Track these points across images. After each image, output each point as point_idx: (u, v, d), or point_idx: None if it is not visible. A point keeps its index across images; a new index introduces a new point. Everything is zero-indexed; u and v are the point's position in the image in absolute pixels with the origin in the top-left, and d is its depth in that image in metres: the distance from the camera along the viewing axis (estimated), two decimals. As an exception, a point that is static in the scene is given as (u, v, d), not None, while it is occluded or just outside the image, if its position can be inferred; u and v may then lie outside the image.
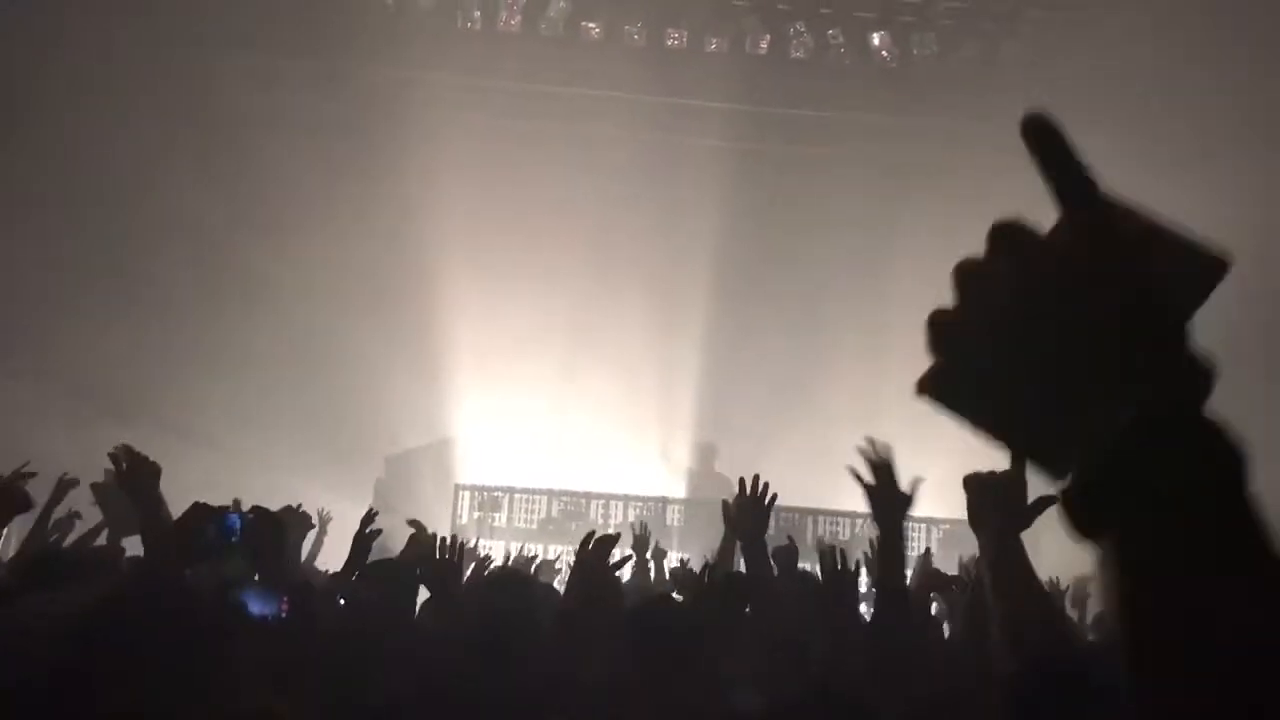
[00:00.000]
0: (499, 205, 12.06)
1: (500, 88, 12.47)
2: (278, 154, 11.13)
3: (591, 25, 12.49)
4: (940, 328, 0.79)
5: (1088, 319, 0.71)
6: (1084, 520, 0.71)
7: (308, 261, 11.20)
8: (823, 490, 10.98)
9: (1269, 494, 0.75)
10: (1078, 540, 0.72)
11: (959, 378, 0.77)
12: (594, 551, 3.81)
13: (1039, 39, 12.12)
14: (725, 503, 4.34)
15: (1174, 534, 0.67)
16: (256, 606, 2.84)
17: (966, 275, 0.79)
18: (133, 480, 3.44)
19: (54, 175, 10.59)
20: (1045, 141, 0.77)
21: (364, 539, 4.02)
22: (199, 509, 3.03)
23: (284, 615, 2.84)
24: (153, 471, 3.50)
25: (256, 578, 3.10)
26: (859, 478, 3.37)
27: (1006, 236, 0.77)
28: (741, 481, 4.32)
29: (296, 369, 11.42)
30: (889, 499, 3.25)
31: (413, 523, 4.43)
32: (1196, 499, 0.67)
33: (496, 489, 11.07)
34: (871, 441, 3.30)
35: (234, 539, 3.11)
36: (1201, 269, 0.75)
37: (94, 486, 5.15)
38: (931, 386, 0.79)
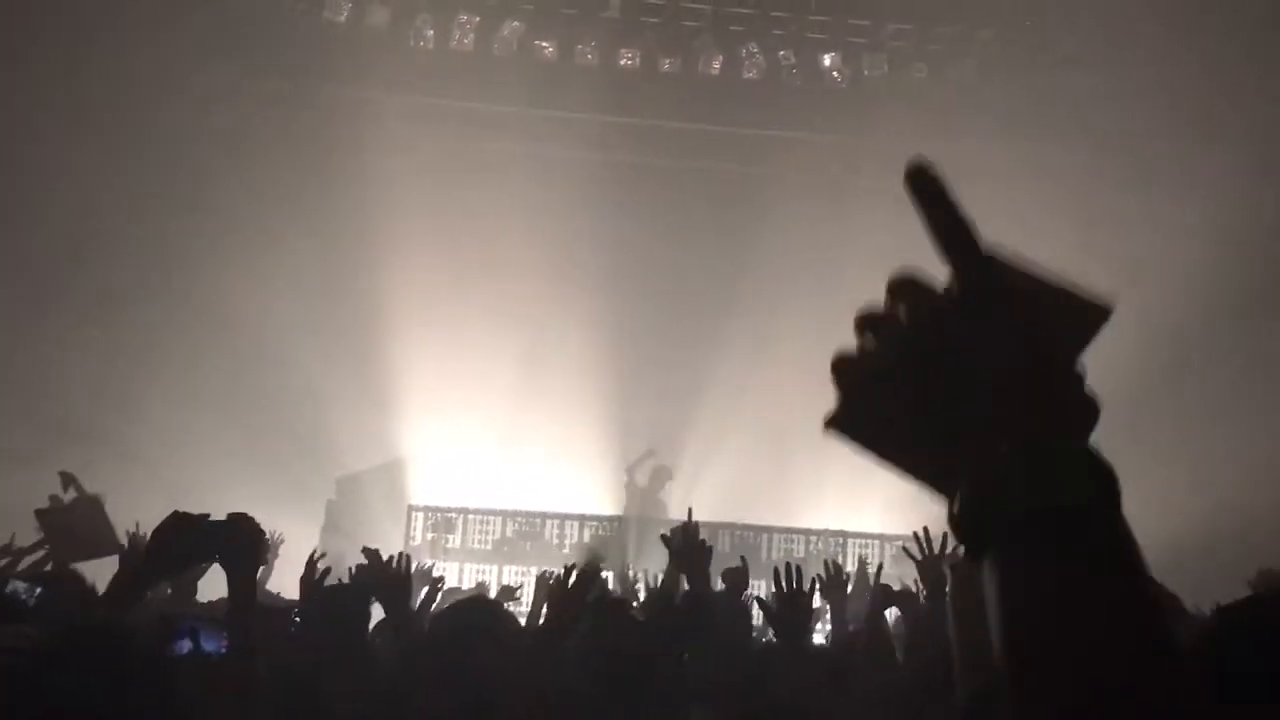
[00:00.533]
0: (452, 224, 11.99)
1: (453, 107, 12.45)
2: (229, 172, 11.03)
3: (545, 45, 12.50)
4: (842, 370, 0.86)
5: (975, 362, 0.77)
6: (968, 539, 0.76)
7: (259, 280, 11.08)
8: (778, 508, 11.03)
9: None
10: (968, 560, 0.76)
11: (860, 415, 0.84)
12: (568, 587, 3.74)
13: (988, 60, 12.31)
14: (663, 537, 4.35)
15: (1047, 550, 0.71)
16: (204, 642, 2.77)
17: (866, 322, 0.86)
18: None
19: (2, 192, 10.41)
20: (928, 192, 0.82)
21: (312, 584, 3.85)
22: (177, 518, 2.96)
23: (224, 650, 2.78)
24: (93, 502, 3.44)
25: (229, 591, 3.03)
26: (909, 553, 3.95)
27: (903, 286, 0.85)
28: (689, 513, 4.36)
29: (247, 389, 11.28)
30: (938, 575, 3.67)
31: (368, 551, 4.36)
32: (1069, 518, 0.71)
33: (450, 510, 10.98)
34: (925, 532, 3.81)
35: (211, 548, 3.04)
36: (1086, 315, 0.83)
37: (38, 513, 5.06)
38: (836, 423, 0.86)
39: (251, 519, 3.04)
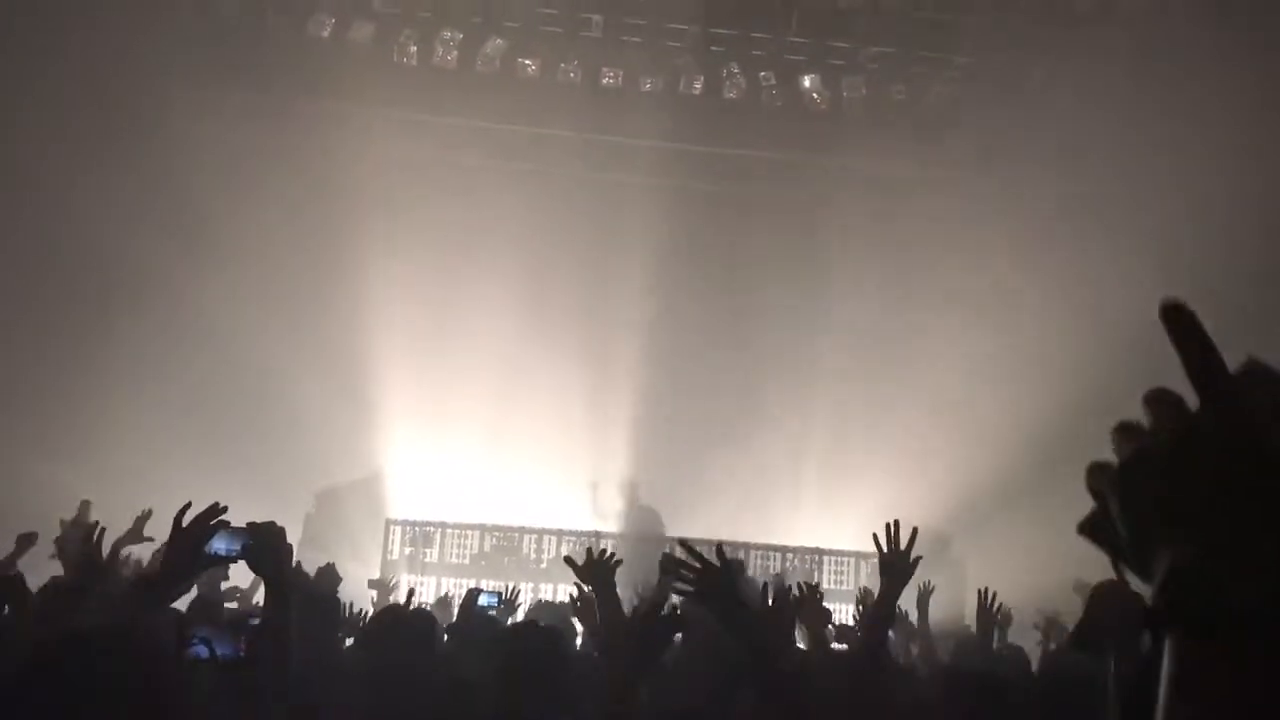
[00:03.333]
0: (434, 239, 12.05)
1: (435, 123, 12.53)
2: (212, 185, 11.06)
3: (528, 62, 12.59)
4: (1099, 478, 0.93)
5: (1225, 494, 0.84)
6: (1188, 617, 0.83)
7: (240, 292, 11.09)
8: (756, 525, 11.10)
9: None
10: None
11: (1114, 525, 0.91)
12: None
13: (967, 85, 12.48)
14: (666, 556, 4.31)
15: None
16: (216, 648, 2.83)
17: (1122, 431, 0.93)
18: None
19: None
20: (1182, 326, 0.89)
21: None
22: (209, 513, 3.00)
23: (241, 655, 2.83)
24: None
25: (261, 592, 3.09)
26: (877, 543, 3.84)
27: (1160, 402, 0.91)
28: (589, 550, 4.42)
29: (225, 400, 11.27)
30: (899, 569, 3.70)
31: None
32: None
33: (428, 524, 11.00)
34: (895, 525, 3.78)
35: (236, 551, 3.08)
36: None
37: (56, 541, 5.28)
38: (1088, 527, 0.94)
39: (277, 526, 3.11)
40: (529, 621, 4.68)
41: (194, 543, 2.99)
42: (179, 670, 2.59)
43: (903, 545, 3.73)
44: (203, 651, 2.82)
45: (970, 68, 12.47)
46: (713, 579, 2.95)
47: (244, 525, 3.08)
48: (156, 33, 10.91)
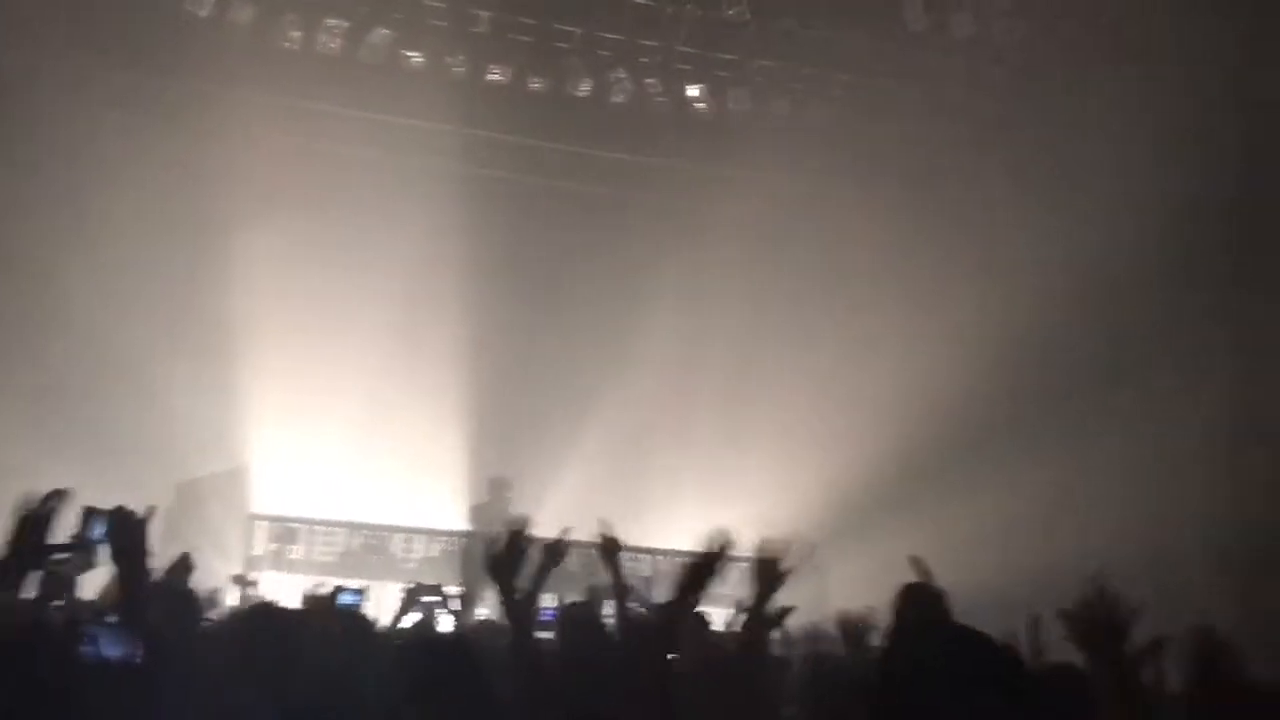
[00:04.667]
0: (310, 229, 11.78)
1: (315, 111, 12.25)
2: (79, 164, 10.63)
3: (412, 54, 12.41)
4: None
5: None
6: None
7: (105, 277, 10.65)
8: (629, 525, 11.12)
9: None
10: None
11: None
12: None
13: (844, 104, 12.80)
14: (466, 549, 4.18)
15: None
16: (111, 649, 2.72)
17: None
18: None
19: None
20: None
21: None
22: (53, 498, 2.88)
23: (139, 658, 2.73)
24: None
25: (122, 589, 2.96)
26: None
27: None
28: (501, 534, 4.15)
29: (86, 388, 10.81)
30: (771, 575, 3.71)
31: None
32: None
33: (294, 521, 10.74)
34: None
35: (97, 539, 2.97)
36: None
37: None
38: None
39: (136, 514, 3.00)
40: (433, 635, 4.61)
41: (36, 527, 2.87)
42: (72, 669, 2.50)
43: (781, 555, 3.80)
44: (91, 651, 2.72)
45: (851, 85, 12.79)
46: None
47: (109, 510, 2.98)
48: (25, 5, 10.42)
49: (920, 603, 3.71)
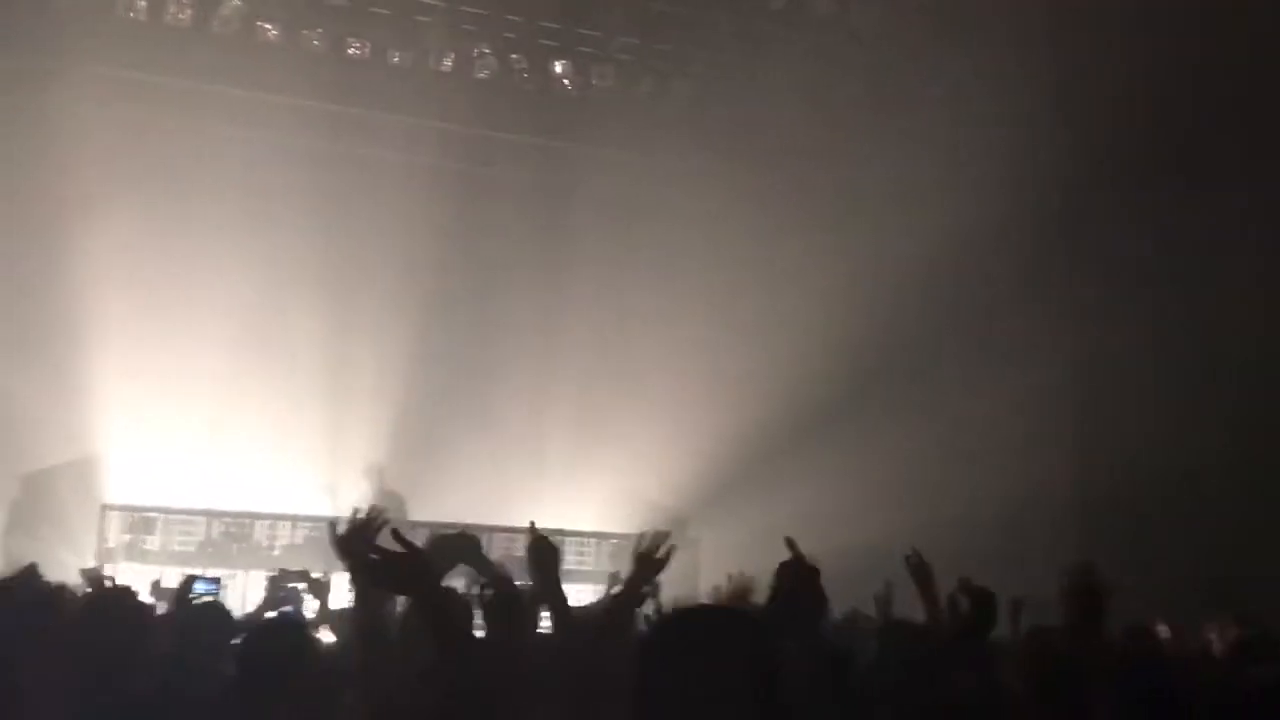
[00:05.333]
0: (160, 208, 11.35)
1: (164, 85, 11.77)
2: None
3: (268, 27, 12.03)
4: None
5: None
6: None
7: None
8: (497, 505, 11.10)
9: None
10: None
11: None
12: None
13: (706, 82, 12.93)
14: (331, 524, 3.94)
15: None
16: None
17: None
18: None
19: None
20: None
21: None
22: None
23: None
24: None
25: None
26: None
27: None
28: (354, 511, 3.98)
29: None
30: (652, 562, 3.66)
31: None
32: None
33: (149, 510, 10.37)
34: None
35: None
36: None
37: None
38: None
39: None
40: (271, 620, 4.52)
41: None
42: None
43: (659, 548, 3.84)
44: None
45: (710, 62, 12.93)
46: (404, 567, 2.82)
47: None
48: None
49: (798, 578, 3.84)
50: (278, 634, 3.49)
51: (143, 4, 11.55)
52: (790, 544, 4.02)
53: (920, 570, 4.40)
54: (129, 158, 11.08)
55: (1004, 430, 10.91)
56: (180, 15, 11.70)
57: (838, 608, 5.67)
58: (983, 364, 11.12)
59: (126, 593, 4.52)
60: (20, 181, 10.75)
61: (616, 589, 5.53)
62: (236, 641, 3.89)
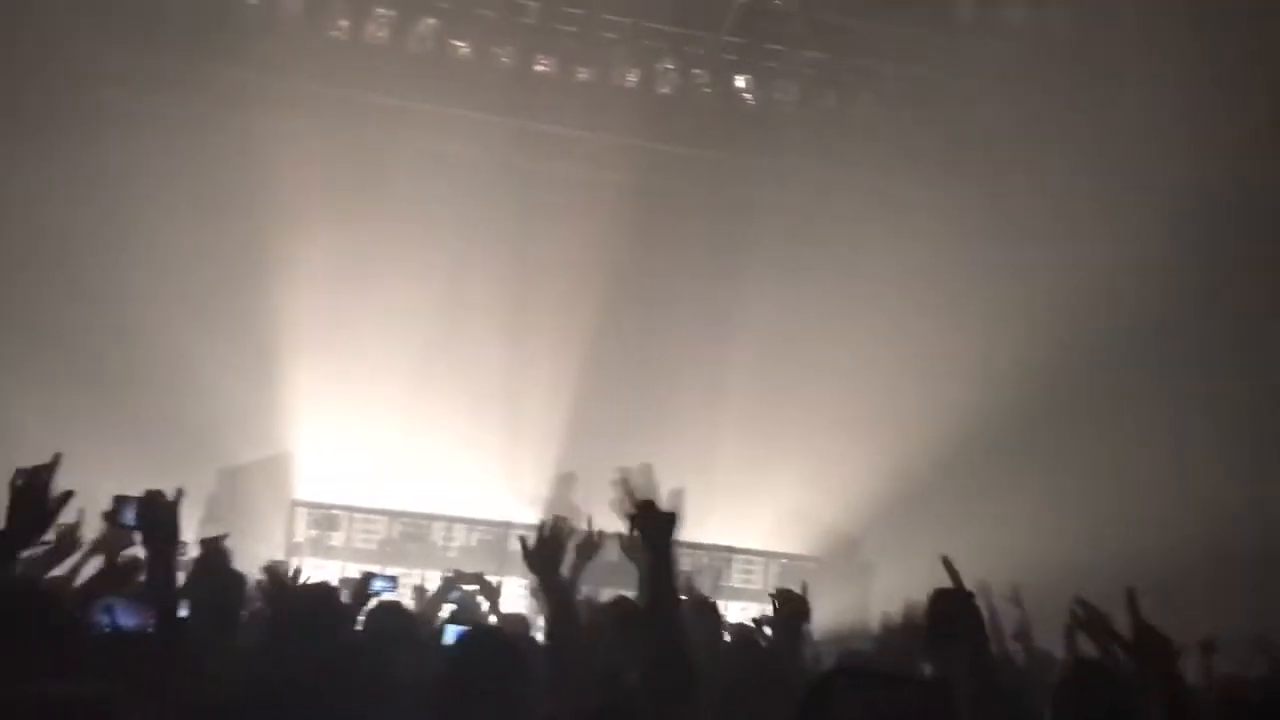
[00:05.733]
0: (353, 217, 11.82)
1: (362, 100, 12.29)
2: (124, 151, 10.73)
3: (460, 44, 12.42)
4: None
5: None
6: None
7: (145, 263, 10.75)
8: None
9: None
10: None
11: None
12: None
13: (893, 94, 12.63)
14: (522, 539, 4.06)
15: None
16: (121, 618, 2.75)
17: None
18: None
19: None
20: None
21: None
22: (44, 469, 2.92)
23: (149, 629, 2.75)
24: None
25: (147, 569, 3.00)
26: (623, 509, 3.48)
27: None
28: (541, 524, 4.05)
29: (127, 373, 10.92)
30: (655, 523, 3.44)
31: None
32: None
33: (335, 508, 10.79)
34: (627, 474, 3.49)
35: (129, 522, 3.03)
36: None
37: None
38: None
39: (165, 496, 3.02)
40: (484, 628, 4.60)
41: (37, 497, 2.91)
42: (82, 639, 2.51)
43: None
44: (105, 622, 2.75)
45: (897, 78, 12.62)
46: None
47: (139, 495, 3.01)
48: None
49: (951, 608, 3.62)
50: (493, 640, 3.53)
51: (344, 23, 12.07)
52: (947, 565, 3.80)
53: (1092, 624, 4.06)
54: (328, 170, 11.59)
55: (1209, 453, 10.20)
56: (378, 34, 12.19)
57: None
58: (1188, 386, 10.44)
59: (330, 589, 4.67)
60: (229, 191, 11.38)
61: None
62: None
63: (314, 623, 3.73)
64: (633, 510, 3.40)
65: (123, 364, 10.87)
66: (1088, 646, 4.48)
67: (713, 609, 5.14)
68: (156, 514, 3.03)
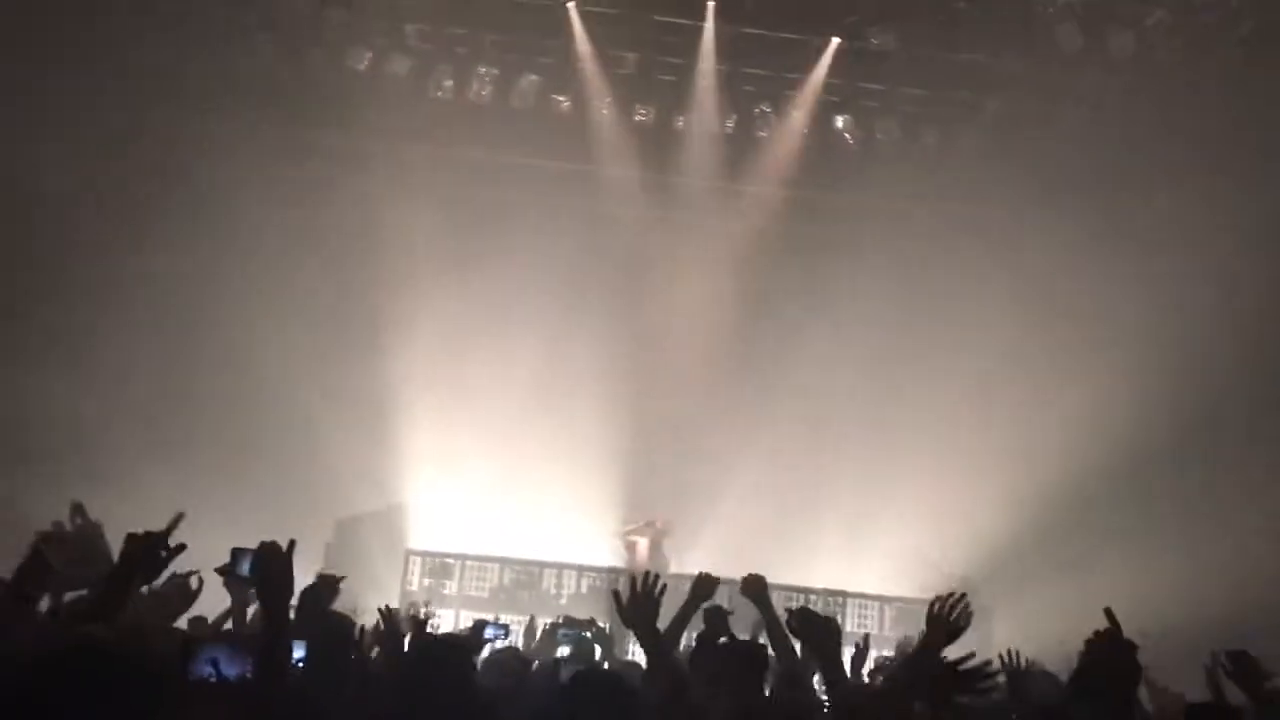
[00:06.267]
0: (463, 271, 12.07)
1: (468, 157, 12.59)
2: (242, 212, 11.17)
3: (561, 99, 12.64)
4: None
5: None
6: None
7: (266, 320, 11.12)
8: (778, 564, 10.95)
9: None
10: None
11: None
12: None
13: (997, 128, 12.43)
14: (615, 593, 4.09)
15: None
16: (224, 667, 2.82)
17: None
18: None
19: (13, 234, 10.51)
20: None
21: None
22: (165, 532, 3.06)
23: (249, 675, 2.82)
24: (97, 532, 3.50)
25: (264, 617, 3.12)
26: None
27: None
28: (632, 580, 4.08)
29: (248, 427, 11.30)
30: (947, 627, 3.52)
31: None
32: None
33: (448, 556, 10.95)
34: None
35: (244, 573, 3.14)
36: None
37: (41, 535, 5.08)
38: None
39: (280, 547, 3.11)
40: (594, 670, 4.62)
41: (151, 545, 3.03)
42: (184, 688, 2.59)
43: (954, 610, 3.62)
44: (208, 670, 2.82)
45: (1000, 111, 12.43)
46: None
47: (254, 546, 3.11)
48: (191, 64, 11.04)
49: (1113, 654, 3.52)
50: (605, 681, 3.54)
51: (449, 83, 12.40)
52: (1109, 615, 3.69)
53: (1246, 675, 3.89)
54: (436, 224, 11.88)
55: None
56: (482, 92, 12.48)
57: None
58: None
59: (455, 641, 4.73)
60: (343, 251, 11.75)
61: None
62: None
63: (439, 672, 3.77)
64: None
65: (245, 420, 11.27)
66: (1233, 693, 4.32)
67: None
68: (271, 565, 3.11)
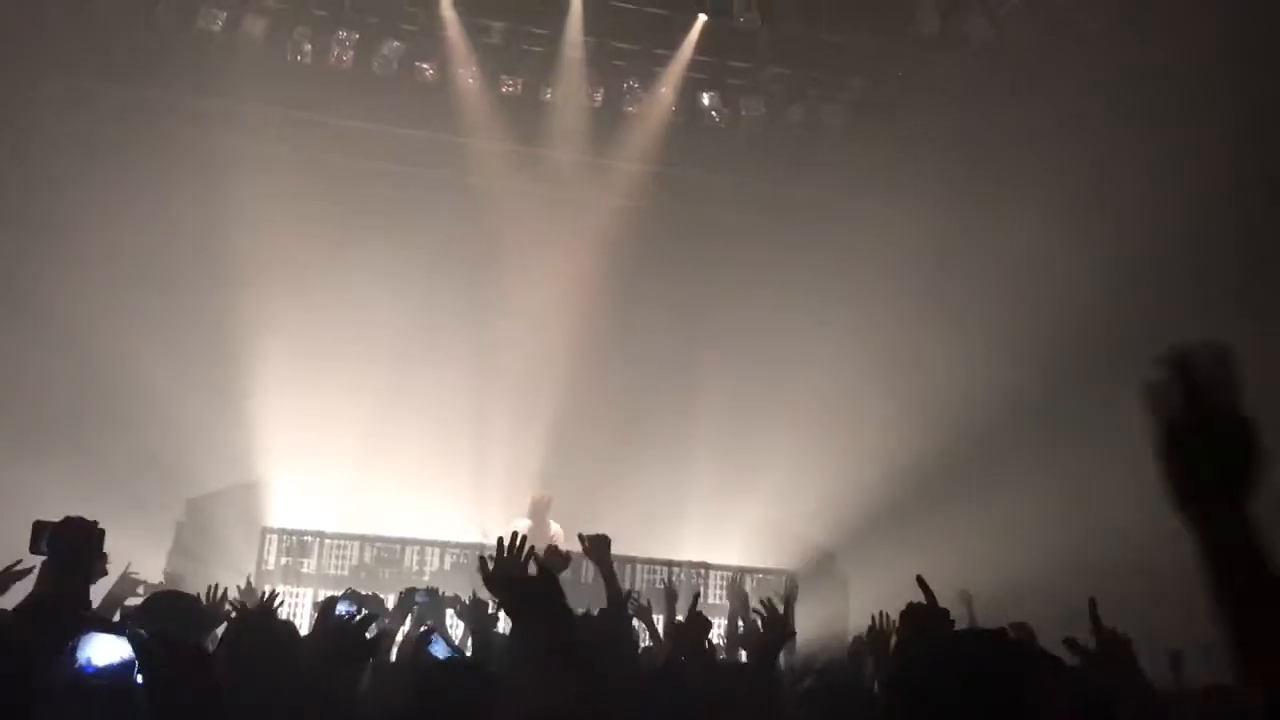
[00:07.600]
0: (319, 242, 11.75)
1: (327, 123, 12.27)
2: (83, 180, 10.67)
3: (425, 67, 12.40)
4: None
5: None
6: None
7: (110, 294, 10.63)
8: (641, 537, 11.04)
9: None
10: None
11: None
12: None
13: (860, 107, 12.71)
14: (481, 558, 3.86)
15: None
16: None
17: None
18: None
19: None
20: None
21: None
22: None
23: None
24: None
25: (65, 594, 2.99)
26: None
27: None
28: (499, 541, 3.84)
29: (90, 403, 10.81)
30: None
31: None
32: None
33: (306, 533, 10.67)
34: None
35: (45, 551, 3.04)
36: None
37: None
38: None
39: (84, 520, 3.00)
40: (455, 659, 4.55)
41: None
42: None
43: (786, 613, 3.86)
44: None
45: (864, 91, 12.70)
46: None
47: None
48: (26, 19, 10.46)
49: (923, 624, 3.64)
50: (464, 674, 3.48)
51: (308, 47, 12.04)
52: (921, 583, 3.81)
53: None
54: (291, 193, 11.53)
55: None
56: (343, 58, 12.15)
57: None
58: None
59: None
60: (187, 215, 11.31)
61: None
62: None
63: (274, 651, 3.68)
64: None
65: (88, 397, 10.78)
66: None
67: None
68: (69, 540, 3.05)
